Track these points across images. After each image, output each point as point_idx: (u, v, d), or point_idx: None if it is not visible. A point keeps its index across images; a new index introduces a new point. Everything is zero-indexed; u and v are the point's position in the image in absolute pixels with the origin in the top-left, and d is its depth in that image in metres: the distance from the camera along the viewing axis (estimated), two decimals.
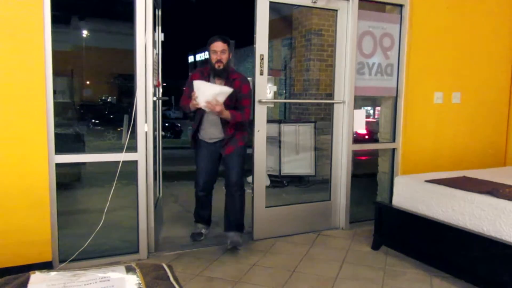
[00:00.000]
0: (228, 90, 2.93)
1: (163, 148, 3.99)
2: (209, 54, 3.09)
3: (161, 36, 3.65)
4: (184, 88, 3.28)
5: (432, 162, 4.04)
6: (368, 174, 4.66)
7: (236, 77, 3.14)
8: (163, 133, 3.88)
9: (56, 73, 2.73)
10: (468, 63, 4.19)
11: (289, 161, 5.66)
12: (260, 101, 3.38)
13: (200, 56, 27.89)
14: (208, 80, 3.11)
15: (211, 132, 3.19)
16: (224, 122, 3.11)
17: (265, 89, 3.44)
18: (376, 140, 4.38)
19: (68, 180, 4.90)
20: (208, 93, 2.88)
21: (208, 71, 3.14)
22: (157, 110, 3.72)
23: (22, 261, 2.62)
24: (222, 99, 2.91)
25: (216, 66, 3.05)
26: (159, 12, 3.57)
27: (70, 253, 2.80)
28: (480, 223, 2.59)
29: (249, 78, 3.31)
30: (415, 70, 3.91)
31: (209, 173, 3.31)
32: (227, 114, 3.00)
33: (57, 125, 2.80)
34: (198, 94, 2.89)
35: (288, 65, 6.79)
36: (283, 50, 8.85)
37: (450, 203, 2.79)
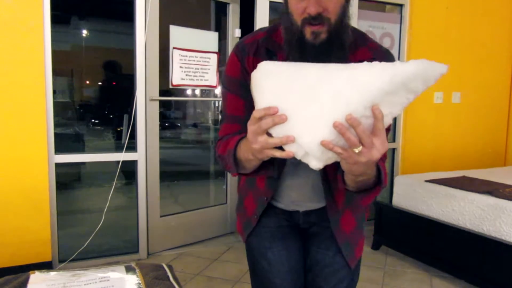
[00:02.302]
0: (437, 68, 0.82)
1: (163, 148, 3.99)
2: (285, 2, 1.02)
3: (236, 32, 3.50)
4: (223, 111, 1.18)
5: (432, 162, 4.04)
6: None
7: (365, 57, 1.00)
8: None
9: (56, 73, 2.73)
10: (468, 63, 4.19)
11: None
12: None
13: None
14: None
15: (295, 196, 1.24)
16: (331, 181, 1.15)
17: None
18: None
19: (68, 180, 4.89)
20: (334, 105, 0.80)
21: (281, 47, 1.06)
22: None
23: (21, 260, 2.62)
24: (397, 108, 0.83)
25: (309, 33, 0.97)
26: (229, 8, 3.52)
27: (70, 253, 2.80)
28: (480, 223, 2.59)
29: None
30: None
31: (297, 275, 1.26)
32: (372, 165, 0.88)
33: (56, 125, 2.80)
34: (290, 111, 0.83)
35: None
36: None
37: (450, 203, 2.79)
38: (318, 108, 0.81)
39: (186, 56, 3.21)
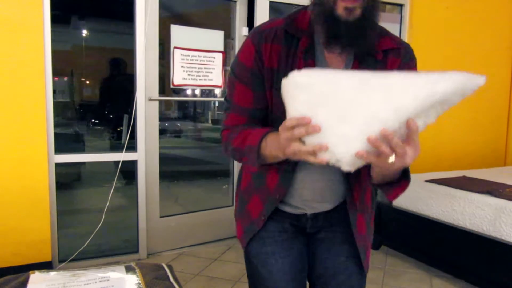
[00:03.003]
0: (476, 80, 0.80)
1: (163, 148, 3.99)
2: None
3: (244, 31, 3.40)
4: (229, 99, 1.13)
5: (432, 162, 4.04)
6: None
7: (391, 46, 1.07)
8: None
9: (56, 73, 2.73)
10: (468, 63, 4.18)
11: None
12: None
13: None
14: (314, 61, 1.04)
15: (307, 194, 1.15)
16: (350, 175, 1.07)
17: None
18: None
19: (68, 180, 4.89)
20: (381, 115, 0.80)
21: (304, 32, 1.04)
22: None
23: (21, 261, 2.62)
24: (431, 118, 0.87)
25: (342, 9, 0.92)
26: (237, 6, 3.43)
27: (70, 253, 2.80)
28: (480, 223, 2.59)
29: None
30: None
31: (300, 285, 1.22)
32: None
33: (56, 124, 2.80)
34: (323, 123, 0.83)
35: None
36: None
37: (450, 203, 2.79)
38: (353, 126, 0.82)
39: (189, 55, 3.18)
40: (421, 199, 3.00)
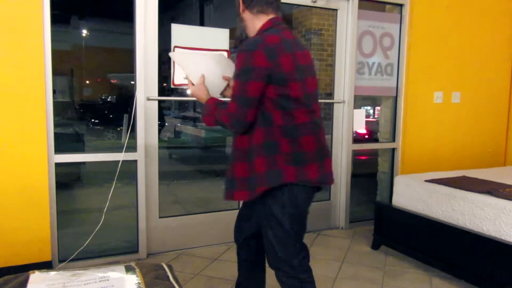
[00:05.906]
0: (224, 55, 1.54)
1: (162, 148, 3.98)
2: None
3: None
4: (244, 96, 1.62)
5: (432, 162, 4.04)
6: (368, 174, 4.66)
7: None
8: None
9: (56, 72, 2.73)
10: (468, 63, 4.19)
11: None
12: None
13: None
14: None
15: None
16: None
17: None
18: (376, 140, 4.38)
19: (68, 180, 4.89)
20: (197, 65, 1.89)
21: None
22: None
23: (21, 260, 2.62)
24: (228, 73, 1.90)
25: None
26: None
27: (70, 252, 2.80)
28: (480, 223, 2.59)
29: None
30: (415, 70, 3.90)
31: (244, 216, 1.93)
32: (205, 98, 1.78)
33: (56, 124, 2.80)
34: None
35: None
36: None
37: (450, 203, 2.79)
38: (216, 75, 1.85)
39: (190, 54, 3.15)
40: (421, 199, 3.00)
